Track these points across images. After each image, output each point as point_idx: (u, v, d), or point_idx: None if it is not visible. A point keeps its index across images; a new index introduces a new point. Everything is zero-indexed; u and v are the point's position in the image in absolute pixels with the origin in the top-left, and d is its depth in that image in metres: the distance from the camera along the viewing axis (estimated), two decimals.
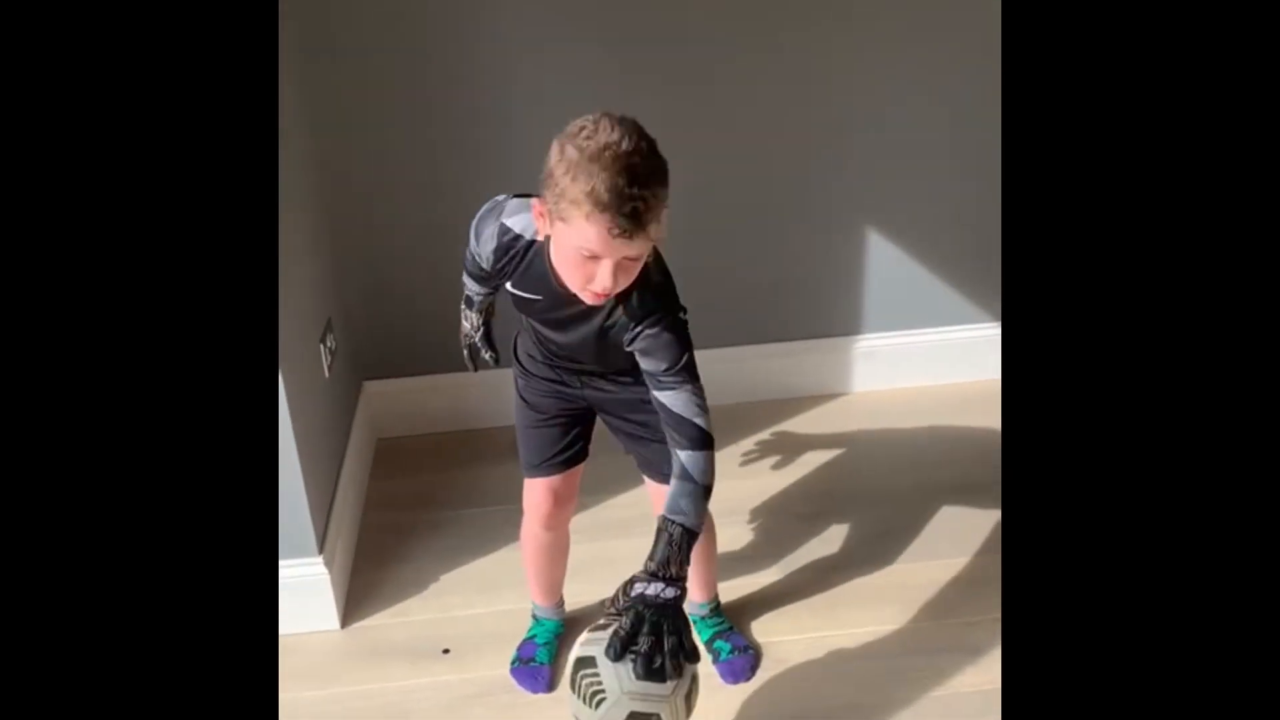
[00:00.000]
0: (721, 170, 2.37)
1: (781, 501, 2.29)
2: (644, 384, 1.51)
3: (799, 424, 2.56)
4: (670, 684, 1.38)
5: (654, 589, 1.38)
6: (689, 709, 1.43)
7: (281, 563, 1.93)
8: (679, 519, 1.42)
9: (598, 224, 1.29)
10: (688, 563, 1.41)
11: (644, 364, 1.48)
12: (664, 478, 1.65)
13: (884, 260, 2.54)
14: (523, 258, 1.49)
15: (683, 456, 1.45)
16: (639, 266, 1.38)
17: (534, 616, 1.94)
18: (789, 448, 2.47)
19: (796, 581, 2.06)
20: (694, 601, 1.92)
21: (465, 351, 1.84)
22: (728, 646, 1.88)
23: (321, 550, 1.96)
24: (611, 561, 2.08)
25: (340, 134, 2.30)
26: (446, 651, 1.93)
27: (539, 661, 1.87)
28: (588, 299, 1.40)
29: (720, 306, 2.50)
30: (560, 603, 1.95)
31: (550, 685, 1.85)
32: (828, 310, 2.60)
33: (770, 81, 2.37)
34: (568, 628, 1.94)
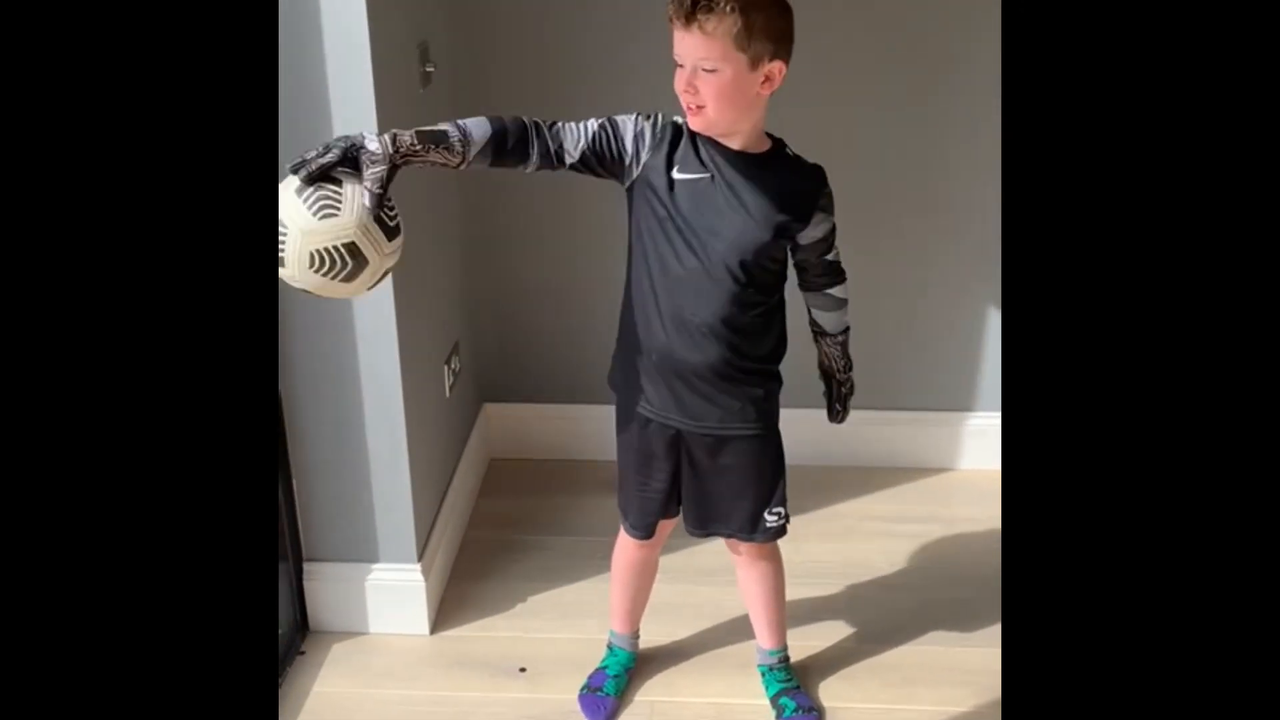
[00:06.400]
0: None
1: (869, 569, 2.31)
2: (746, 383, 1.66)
3: (899, 495, 2.57)
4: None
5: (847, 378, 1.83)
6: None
7: (381, 566, 2.07)
8: (847, 330, 1.79)
9: (672, 19, 1.44)
10: None
11: (819, 230, 1.64)
12: (730, 533, 1.80)
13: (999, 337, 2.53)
14: (676, 141, 1.54)
15: (837, 290, 1.74)
16: (723, 88, 1.44)
17: (609, 646, 2.01)
18: (886, 517, 2.48)
19: (871, 651, 2.08)
20: (763, 649, 1.97)
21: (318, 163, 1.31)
22: (792, 704, 1.91)
23: (420, 558, 2.09)
24: (692, 605, 2.16)
25: (480, 172, 2.44)
26: (523, 670, 2.03)
27: (606, 692, 1.94)
28: (690, 120, 1.51)
29: None
30: (636, 634, 2.01)
31: (611, 718, 1.92)
32: (941, 383, 2.61)
33: (904, 146, 2.42)
34: (639, 664, 2.01)
